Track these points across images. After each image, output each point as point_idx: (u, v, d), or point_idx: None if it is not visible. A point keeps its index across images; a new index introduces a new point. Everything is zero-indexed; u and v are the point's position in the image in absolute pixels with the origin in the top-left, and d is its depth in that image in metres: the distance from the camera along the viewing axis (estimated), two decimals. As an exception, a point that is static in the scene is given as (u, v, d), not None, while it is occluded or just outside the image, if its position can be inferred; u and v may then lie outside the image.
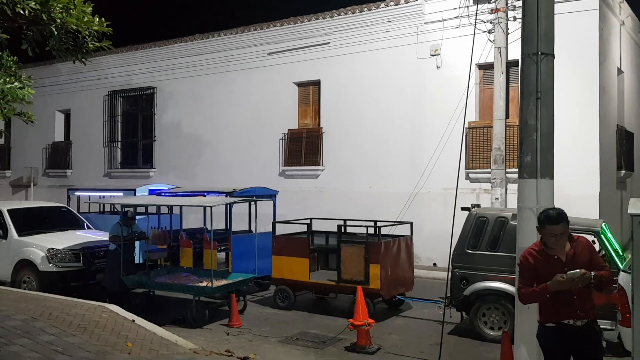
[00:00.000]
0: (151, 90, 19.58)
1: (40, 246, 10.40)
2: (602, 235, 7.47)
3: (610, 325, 6.89)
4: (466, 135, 13.67)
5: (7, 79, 9.25)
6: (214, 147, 17.90)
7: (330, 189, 15.69)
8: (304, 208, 14.15)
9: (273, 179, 15.98)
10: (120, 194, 14.03)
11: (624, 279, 5.59)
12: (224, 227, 12.53)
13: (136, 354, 6.70)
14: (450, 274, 8.00)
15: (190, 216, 13.49)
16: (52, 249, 10.26)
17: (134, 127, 20.44)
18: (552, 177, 4.66)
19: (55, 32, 7.20)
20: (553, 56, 4.71)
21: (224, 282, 9.53)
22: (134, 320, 8.07)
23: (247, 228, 12.60)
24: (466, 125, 13.58)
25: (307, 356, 7.38)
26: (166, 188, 14.05)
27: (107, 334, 7.28)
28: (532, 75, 4.62)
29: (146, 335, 7.57)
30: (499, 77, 12.28)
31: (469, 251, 8.20)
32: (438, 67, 14.20)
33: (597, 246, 7.59)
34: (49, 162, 22.36)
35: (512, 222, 7.80)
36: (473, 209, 8.51)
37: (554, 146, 4.74)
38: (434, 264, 13.73)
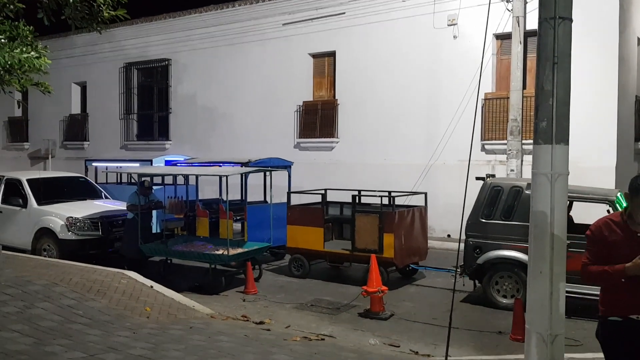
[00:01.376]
0: (166, 62, 19.60)
1: (60, 215, 10.59)
2: (617, 204, 7.44)
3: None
4: (482, 106, 13.57)
5: (24, 49, 9.35)
6: (229, 119, 17.95)
7: (345, 161, 15.71)
8: (319, 180, 14.21)
9: (288, 151, 16.02)
10: (137, 164, 14.18)
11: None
12: (239, 198, 12.66)
13: (154, 317, 6.86)
14: (463, 243, 8.04)
15: (206, 188, 13.62)
16: (71, 217, 10.45)
17: (150, 100, 20.54)
18: (567, 143, 4.62)
19: (71, 1, 7.24)
20: (571, 20, 4.63)
21: (239, 250, 9.66)
22: (152, 287, 8.23)
23: (262, 199, 12.70)
24: (482, 96, 13.48)
25: (322, 321, 7.51)
26: (182, 159, 14.17)
27: (126, 299, 7.45)
28: (549, 40, 4.55)
29: (164, 300, 7.74)
30: (517, 47, 12.13)
31: (483, 220, 8.22)
32: (455, 37, 14.04)
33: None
34: (66, 134, 22.61)
35: (526, 192, 7.80)
36: (488, 179, 8.50)
37: (570, 113, 4.70)
38: (448, 235, 13.77)
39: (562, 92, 4.63)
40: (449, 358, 5.64)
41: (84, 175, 13.77)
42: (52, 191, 11.46)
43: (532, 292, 4.70)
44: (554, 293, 4.57)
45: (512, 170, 12.28)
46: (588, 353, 5.30)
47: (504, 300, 8.02)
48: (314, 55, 16.66)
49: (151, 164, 13.64)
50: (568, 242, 7.20)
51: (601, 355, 5.09)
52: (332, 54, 16.29)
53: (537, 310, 4.64)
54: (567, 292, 6.85)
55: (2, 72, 9.55)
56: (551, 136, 4.57)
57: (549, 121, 4.59)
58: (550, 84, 4.61)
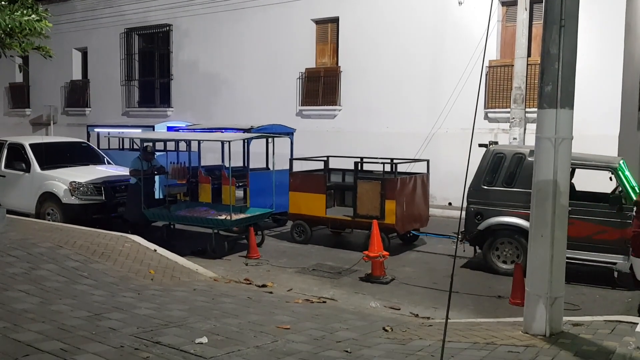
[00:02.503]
0: (167, 28, 19.39)
1: (63, 179, 10.63)
2: (619, 172, 7.45)
3: (623, 259, 6.99)
4: (486, 74, 13.47)
5: (24, 12, 9.26)
6: (231, 86, 17.84)
7: (348, 129, 15.66)
8: (321, 148, 14.18)
9: (290, 119, 15.95)
10: (139, 130, 14.16)
11: (640, 211, 5.62)
12: (241, 165, 12.66)
13: (158, 280, 6.95)
14: (464, 210, 8.08)
15: (208, 155, 13.61)
16: (74, 182, 10.49)
17: (151, 66, 20.38)
18: (572, 108, 4.61)
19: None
20: (578, -18, 4.59)
21: (242, 215, 9.72)
22: (155, 250, 8.31)
23: (264, 167, 12.71)
24: (486, 64, 13.37)
25: (323, 285, 7.60)
26: (184, 125, 14.14)
27: (130, 262, 7.53)
28: (556, 1, 4.51)
29: (168, 263, 7.82)
30: (522, 14, 11.99)
31: (485, 187, 8.24)
32: (460, 3, 13.83)
33: (614, 183, 7.61)
34: (67, 100, 22.51)
35: (529, 159, 7.80)
36: (490, 146, 8.49)
37: (576, 77, 4.68)
38: (449, 203, 13.81)
39: (568, 56, 4.61)
40: (448, 320, 5.74)
41: (86, 141, 13.75)
42: (54, 156, 11.47)
43: (533, 255, 4.76)
44: (554, 256, 4.64)
45: (514, 138, 12.27)
46: (586, 316, 5.37)
47: (504, 266, 8.10)
48: (317, 22, 16.47)
49: (153, 130, 13.60)
50: (569, 208, 7.28)
51: (599, 318, 5.19)
52: (335, 20, 16.09)
53: (538, 273, 4.71)
54: (566, 258, 6.95)
55: (2, 35, 9.48)
56: (556, 100, 4.57)
57: (554, 85, 4.58)
58: (557, 47, 4.58)
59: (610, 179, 7.59)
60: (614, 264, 7.00)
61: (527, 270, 4.80)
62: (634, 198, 7.17)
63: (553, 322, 4.62)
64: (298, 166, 11.08)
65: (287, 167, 10.84)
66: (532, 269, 4.74)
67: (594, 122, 11.62)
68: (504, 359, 4.03)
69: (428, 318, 6.19)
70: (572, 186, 8.49)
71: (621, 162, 7.79)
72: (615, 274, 6.21)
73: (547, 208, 4.61)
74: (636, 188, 7.61)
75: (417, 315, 6.31)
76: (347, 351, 4.39)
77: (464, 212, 8.03)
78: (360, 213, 9.54)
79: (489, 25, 10.65)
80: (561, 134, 4.58)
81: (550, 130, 4.58)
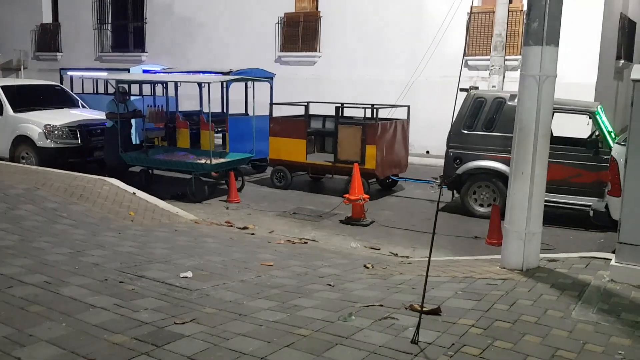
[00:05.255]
0: (141, -31, 18.72)
1: (37, 122, 10.40)
2: (597, 116, 7.55)
3: (598, 202, 7.16)
4: (467, 21, 13.35)
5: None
6: (208, 31, 17.40)
7: (327, 76, 15.50)
8: (301, 95, 14.00)
9: (269, 66, 15.62)
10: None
11: (617, 151, 5.73)
12: (219, 111, 12.49)
13: (139, 221, 6.92)
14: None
15: (185, 102, 13.38)
16: (49, 125, 10.27)
17: (124, 9, 19.73)
18: (557, 45, 4.61)
19: None
20: None
21: (222, 160, 9.66)
22: (134, 193, 8.24)
23: (243, 112, 12.56)
24: (468, 10, 13.23)
25: (304, 227, 7.67)
26: (159, 69, 13.82)
27: (109, 204, 7.47)
28: (544, -63, 4.45)
29: (147, 206, 7.78)
30: (506, -42, 11.80)
31: (465, 132, 8.30)
32: (442, -53, 13.55)
33: (591, 127, 7.72)
34: (38, 44, 21.77)
35: (509, 103, 7.84)
36: (471, 90, 8.50)
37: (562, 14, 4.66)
38: (427, 152, 13.91)
39: (554, -8, 4.57)
40: (425, 259, 5.87)
41: (59, 84, 13.39)
42: (28, 99, 11.19)
43: (512, 192, 4.84)
44: (534, 194, 4.72)
45: (493, 86, 12.30)
46: (562, 253, 5.53)
47: (481, 209, 8.26)
48: (297, -35, 16.04)
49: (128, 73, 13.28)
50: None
51: (574, 254, 5.35)
52: (315, -36, 15.69)
53: (517, 210, 4.80)
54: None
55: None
56: (542, 37, 4.55)
57: (540, 21, 4.55)
58: (544, -17, 4.54)
59: (588, 123, 7.70)
60: (589, 206, 7.18)
61: (507, 208, 4.89)
62: (610, 143, 7.29)
63: (530, 257, 4.75)
64: (278, 112, 10.98)
65: (267, 114, 10.73)
66: (512, 206, 4.82)
67: (572, 70, 11.67)
68: (484, 291, 4.14)
69: (407, 257, 6.31)
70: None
71: (599, 107, 7.89)
72: (591, 212, 6.37)
73: (528, 146, 4.66)
74: (612, 133, 7.74)
75: (397, 254, 6.43)
76: (330, 284, 4.47)
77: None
78: (341, 158, 9.56)
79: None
80: (546, 71, 4.59)
81: (535, 67, 4.59)
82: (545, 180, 4.80)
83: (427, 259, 3.63)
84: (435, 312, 3.61)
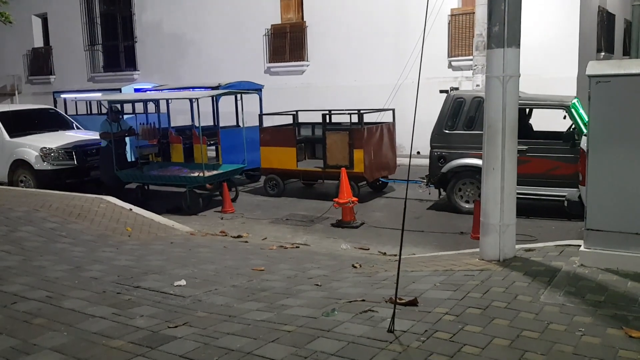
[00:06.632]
0: (128, -11, 19.05)
1: (33, 146, 10.65)
2: (572, 109, 7.80)
3: (576, 192, 7.41)
4: (448, 23, 13.65)
5: (-20, -24, 9.10)
6: (197, 47, 17.72)
7: (316, 84, 15.79)
8: (291, 104, 14.28)
9: (258, 77, 15.98)
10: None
11: (585, 143, 5.98)
12: (211, 124, 12.76)
13: (136, 236, 7.16)
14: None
15: (177, 117, 13.66)
16: (45, 147, 10.53)
17: (114, 29, 20.06)
18: (518, 46, 4.87)
19: None
20: None
21: (215, 172, 9.92)
22: (131, 209, 8.49)
23: (234, 124, 12.83)
24: (448, 12, 13.54)
25: (296, 232, 7.92)
26: (150, 87, 14.11)
27: (107, 221, 7.72)
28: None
29: (144, 221, 8.03)
30: (481, -40, 12.08)
31: (447, 131, 8.57)
32: (420, -48, 13.87)
33: (567, 120, 7.98)
34: (30, 69, 22.09)
35: (488, 102, 8.10)
36: (451, 91, 8.77)
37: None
38: (418, 152, 14.15)
39: (512, -4, 4.84)
40: (411, 256, 6.12)
41: (53, 107, 13.67)
42: (23, 123, 11.45)
43: (486, 187, 5.10)
44: (505, 188, 4.98)
45: (477, 85, 12.54)
46: (539, 243, 5.77)
47: (467, 205, 8.52)
48: (280, -23, 16.36)
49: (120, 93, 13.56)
50: (527, 147, 7.64)
51: (550, 243, 5.59)
52: (298, -26, 16.02)
53: (491, 203, 5.06)
54: (525, 193, 7.36)
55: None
56: (503, 40, 4.83)
57: (500, 25, 4.83)
58: (502, -12, 4.81)
59: (564, 117, 7.96)
60: (567, 197, 7.44)
61: (482, 202, 5.15)
62: (586, 134, 7.54)
63: (506, 247, 5.00)
64: (268, 122, 11.26)
65: (257, 124, 11.00)
66: (486, 200, 5.08)
67: (553, 65, 11.95)
68: (461, 281, 4.39)
69: (395, 255, 6.55)
70: (529, 126, 8.88)
71: (575, 100, 8.14)
72: (565, 202, 6.63)
73: (497, 143, 4.92)
74: (589, 125, 7.98)
75: (385, 253, 6.67)
76: (317, 284, 4.71)
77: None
78: (330, 163, 9.82)
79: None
80: (509, 72, 4.86)
81: (499, 69, 4.86)
82: (515, 174, 5.05)
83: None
84: (413, 303, 3.86)
